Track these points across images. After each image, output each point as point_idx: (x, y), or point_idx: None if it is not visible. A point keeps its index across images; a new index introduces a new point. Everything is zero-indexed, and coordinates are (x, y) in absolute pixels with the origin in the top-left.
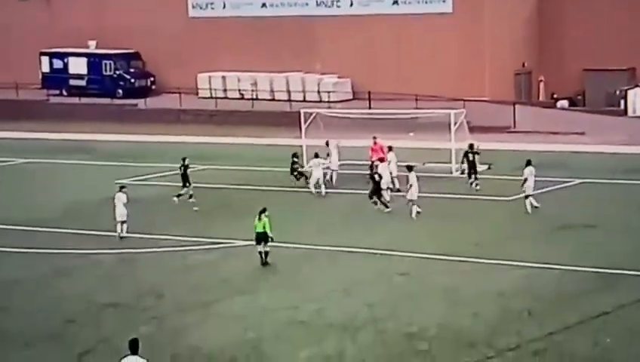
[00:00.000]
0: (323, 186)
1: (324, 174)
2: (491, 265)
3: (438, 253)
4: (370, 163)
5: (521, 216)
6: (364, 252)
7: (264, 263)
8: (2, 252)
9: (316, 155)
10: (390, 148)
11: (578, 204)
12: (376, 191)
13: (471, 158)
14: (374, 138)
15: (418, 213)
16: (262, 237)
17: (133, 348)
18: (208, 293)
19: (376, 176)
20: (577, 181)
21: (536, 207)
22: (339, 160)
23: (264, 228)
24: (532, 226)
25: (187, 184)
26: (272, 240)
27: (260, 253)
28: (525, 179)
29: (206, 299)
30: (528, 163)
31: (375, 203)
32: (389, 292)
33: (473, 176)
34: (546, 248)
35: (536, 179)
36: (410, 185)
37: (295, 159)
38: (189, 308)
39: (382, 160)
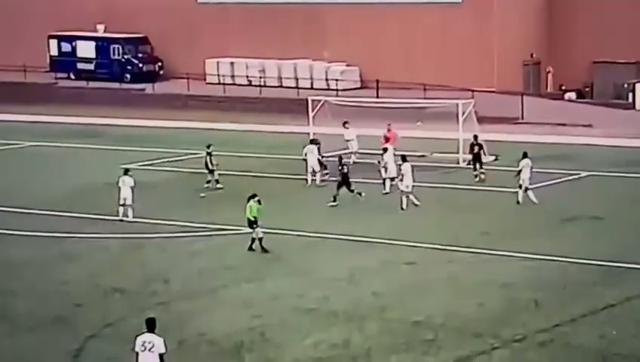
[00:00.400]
0: (318, 175)
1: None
2: (497, 256)
3: (444, 243)
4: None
5: (527, 208)
6: (370, 241)
7: (262, 249)
8: (10, 235)
9: (312, 141)
10: (387, 140)
11: (585, 197)
12: (341, 183)
13: (476, 150)
14: (389, 125)
15: (416, 204)
16: (251, 223)
17: (151, 326)
18: (214, 280)
19: (344, 168)
20: (584, 173)
21: (534, 202)
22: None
23: (251, 212)
24: (539, 218)
25: (211, 170)
26: (256, 226)
27: (253, 238)
28: (520, 170)
29: (212, 285)
30: (525, 155)
31: (355, 193)
32: (395, 282)
33: (478, 166)
34: (553, 240)
35: (544, 171)
36: (403, 175)
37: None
38: (195, 293)
39: (385, 150)
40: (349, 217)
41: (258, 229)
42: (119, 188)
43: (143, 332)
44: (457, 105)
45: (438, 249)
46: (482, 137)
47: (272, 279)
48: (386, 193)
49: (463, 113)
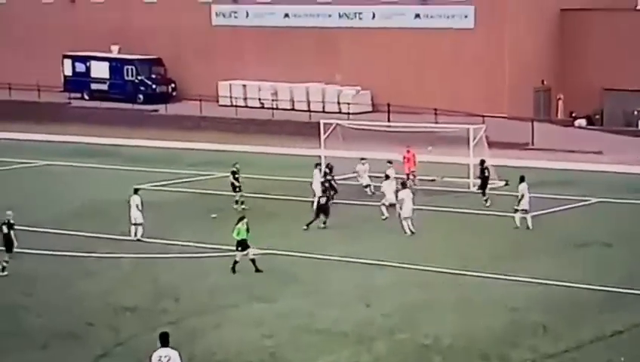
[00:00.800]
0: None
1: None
2: (506, 280)
3: (453, 266)
4: (406, 173)
5: (537, 232)
6: (379, 263)
7: (257, 270)
8: (23, 253)
9: (316, 165)
10: (390, 163)
11: (594, 223)
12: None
13: (486, 174)
14: (408, 146)
15: (412, 232)
16: (239, 244)
17: (165, 340)
18: (225, 298)
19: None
20: (594, 200)
21: (528, 228)
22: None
23: (238, 234)
24: (548, 243)
25: (236, 190)
26: (241, 249)
27: (236, 261)
28: (522, 196)
29: (223, 304)
30: (522, 179)
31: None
32: (405, 304)
33: (484, 191)
34: (562, 265)
35: (554, 196)
36: (402, 201)
37: (327, 170)
38: (205, 312)
39: (387, 176)
40: (357, 239)
41: (251, 250)
42: (129, 208)
43: (158, 348)
44: (468, 130)
45: (447, 272)
46: (492, 162)
47: (282, 299)
48: (385, 218)
49: (474, 138)
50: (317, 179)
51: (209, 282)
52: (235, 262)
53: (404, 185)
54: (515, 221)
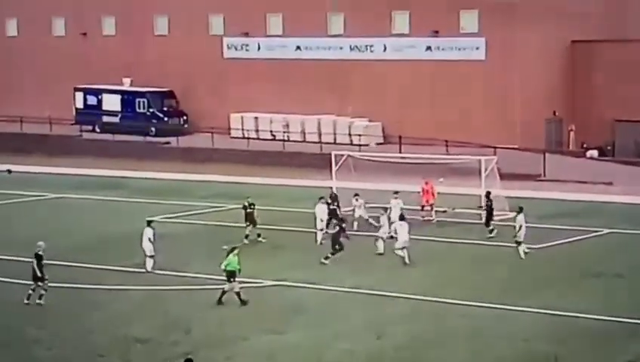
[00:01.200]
0: (319, 233)
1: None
2: (518, 311)
3: (464, 298)
4: (422, 206)
5: (549, 264)
6: (391, 295)
7: (241, 302)
8: (29, 286)
9: (321, 198)
10: (396, 193)
11: (606, 254)
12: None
13: (492, 206)
14: (425, 179)
15: (405, 263)
16: (231, 275)
17: None
18: (236, 330)
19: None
20: (606, 231)
21: (525, 253)
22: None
23: (229, 265)
24: (560, 274)
25: (248, 223)
26: (233, 280)
27: (224, 291)
28: (520, 226)
29: (234, 336)
30: (520, 210)
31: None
32: (416, 335)
33: (490, 223)
34: (573, 295)
35: (565, 228)
36: (397, 232)
37: (329, 200)
38: (216, 344)
39: (386, 209)
40: (368, 271)
41: (235, 283)
42: (142, 240)
43: None
44: (480, 161)
45: (458, 303)
46: (504, 193)
47: (293, 331)
48: (380, 254)
49: (486, 169)
50: (322, 211)
51: (220, 314)
52: (223, 293)
53: (402, 218)
54: (519, 252)
